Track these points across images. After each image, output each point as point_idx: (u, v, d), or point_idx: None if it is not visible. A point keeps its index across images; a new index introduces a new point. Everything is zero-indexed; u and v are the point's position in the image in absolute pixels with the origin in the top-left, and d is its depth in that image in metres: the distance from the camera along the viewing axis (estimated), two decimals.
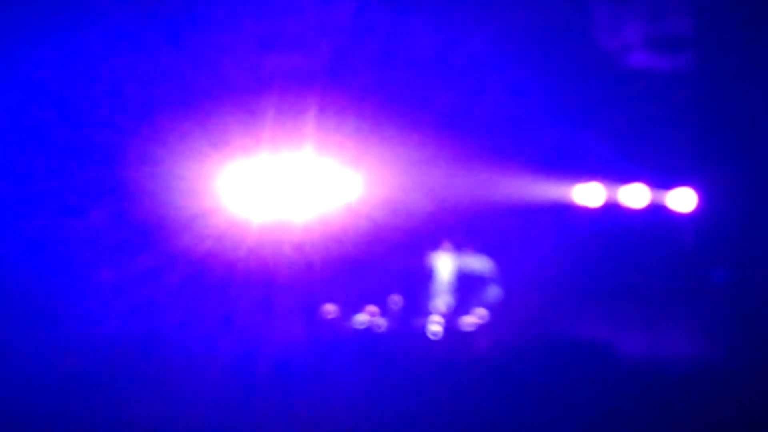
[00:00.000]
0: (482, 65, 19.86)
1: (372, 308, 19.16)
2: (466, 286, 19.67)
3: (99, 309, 18.01)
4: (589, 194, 20.31)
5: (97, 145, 19.41)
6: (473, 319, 18.80)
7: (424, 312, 19.15)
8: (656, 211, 20.17)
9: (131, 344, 16.54)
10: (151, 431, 13.58)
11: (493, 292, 19.48)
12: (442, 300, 19.48)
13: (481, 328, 18.63)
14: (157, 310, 18.09)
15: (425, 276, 19.76)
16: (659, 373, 16.49)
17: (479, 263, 19.79)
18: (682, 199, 20.10)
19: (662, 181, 20.14)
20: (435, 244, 19.90)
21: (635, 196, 20.19)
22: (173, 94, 19.53)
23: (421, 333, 18.54)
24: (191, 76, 19.63)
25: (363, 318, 18.88)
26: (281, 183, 20.09)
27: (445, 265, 19.77)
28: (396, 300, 19.37)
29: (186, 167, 19.50)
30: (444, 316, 18.99)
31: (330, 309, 19.06)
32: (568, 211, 20.29)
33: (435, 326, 18.57)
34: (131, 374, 15.51)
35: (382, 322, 18.85)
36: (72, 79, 18.98)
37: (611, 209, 20.29)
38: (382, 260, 19.89)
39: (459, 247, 19.97)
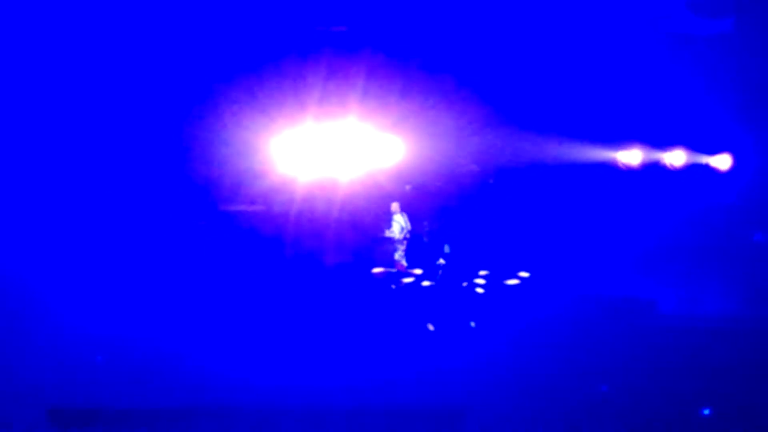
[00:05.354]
0: (525, 34, 20.14)
1: (417, 270, 19.55)
2: (509, 245, 20.03)
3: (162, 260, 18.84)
4: (631, 157, 20.58)
5: (161, 116, 20.18)
6: (517, 276, 19.08)
7: (469, 270, 19.47)
8: (697, 173, 20.37)
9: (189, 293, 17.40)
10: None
11: (535, 250, 19.80)
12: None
13: (524, 285, 18.90)
14: (214, 262, 18.90)
15: (468, 236, 20.14)
16: (697, 329, 16.76)
17: (522, 223, 20.13)
18: (723, 162, 20.30)
19: (704, 144, 20.34)
20: (478, 206, 20.24)
21: (676, 159, 20.43)
22: (228, 66, 20.15)
23: (467, 291, 18.83)
24: (243, 50, 20.21)
25: (408, 280, 19.27)
26: (328, 147, 20.59)
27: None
28: (440, 259, 19.79)
29: (241, 132, 20.18)
30: (488, 274, 19.29)
31: (378, 270, 19.50)
32: (611, 174, 20.56)
33: (479, 284, 18.86)
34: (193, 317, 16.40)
35: (428, 283, 19.21)
36: (137, 56, 19.74)
37: (653, 172, 20.53)
38: (425, 222, 20.32)
39: (503, 207, 20.32)
